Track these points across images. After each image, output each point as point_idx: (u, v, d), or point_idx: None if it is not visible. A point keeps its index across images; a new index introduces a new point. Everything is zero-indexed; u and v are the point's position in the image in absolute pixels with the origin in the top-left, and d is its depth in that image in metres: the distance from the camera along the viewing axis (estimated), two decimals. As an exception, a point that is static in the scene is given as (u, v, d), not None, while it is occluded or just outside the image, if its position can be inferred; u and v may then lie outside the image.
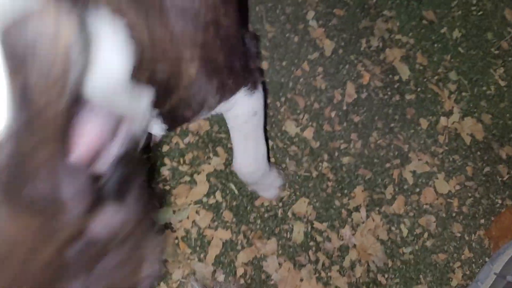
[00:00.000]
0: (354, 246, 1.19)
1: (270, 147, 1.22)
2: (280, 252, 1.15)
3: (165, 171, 1.16)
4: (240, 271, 1.12)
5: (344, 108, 1.28)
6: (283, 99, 1.27)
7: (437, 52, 1.38)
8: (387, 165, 1.27)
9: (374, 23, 1.38)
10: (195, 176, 1.17)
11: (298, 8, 1.35)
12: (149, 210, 0.49)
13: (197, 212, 1.14)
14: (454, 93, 1.36)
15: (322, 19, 1.35)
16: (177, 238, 1.12)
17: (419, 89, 1.34)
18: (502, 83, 1.40)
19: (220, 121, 1.22)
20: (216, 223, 1.14)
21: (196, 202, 1.15)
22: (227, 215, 1.16)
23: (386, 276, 1.19)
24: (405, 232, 1.23)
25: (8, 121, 0.34)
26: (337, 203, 1.22)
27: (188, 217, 1.13)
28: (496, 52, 1.42)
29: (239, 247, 1.13)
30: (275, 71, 1.29)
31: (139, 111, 0.52)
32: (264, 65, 1.28)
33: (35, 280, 0.40)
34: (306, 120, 1.26)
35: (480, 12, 1.45)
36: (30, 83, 0.33)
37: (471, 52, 1.40)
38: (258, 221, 1.17)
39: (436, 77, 1.36)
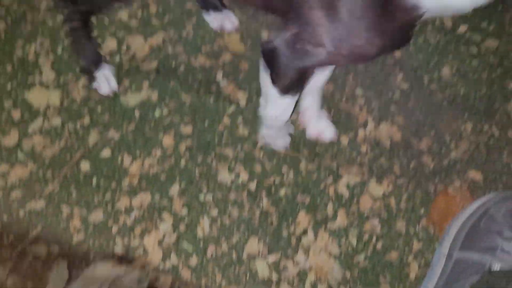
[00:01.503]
0: (311, 268, 1.27)
1: (211, 199, 1.32)
2: (243, 293, 1.22)
3: (118, 250, 1.24)
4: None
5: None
6: (213, 154, 1.38)
7: (339, 78, 1.53)
8: (322, 185, 1.37)
9: (277, 67, 1.53)
10: (147, 247, 1.25)
11: (207, 73, 1.50)
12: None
13: (156, 278, 1.21)
14: (364, 106, 1.50)
15: (231, 76, 1.50)
16: (144, 307, 1.18)
17: (332, 112, 1.48)
18: (405, 86, 1.54)
19: (162, 190, 1.33)
20: (177, 283, 1.21)
21: (154, 270, 1.22)
22: (186, 274, 1.23)
23: (348, 287, 1.26)
24: (354, 242, 1.31)
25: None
26: (285, 233, 1.30)
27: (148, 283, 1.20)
28: (392, 61, 1.58)
29: (204, 300, 1.20)
30: (200, 132, 1.41)
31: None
32: (189, 129, 1.41)
33: None
34: (238, 167, 1.37)
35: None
36: None
37: (370, 67, 1.56)
38: (216, 270, 1.24)
39: (344, 97, 1.50)
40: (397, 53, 1.60)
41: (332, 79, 1.52)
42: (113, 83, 1.42)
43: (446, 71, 1.57)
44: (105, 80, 1.41)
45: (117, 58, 1.50)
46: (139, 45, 1.52)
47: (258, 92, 1.47)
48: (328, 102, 1.49)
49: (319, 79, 1.30)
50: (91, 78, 1.41)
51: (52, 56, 1.48)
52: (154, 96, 1.45)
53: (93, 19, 1.39)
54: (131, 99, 1.44)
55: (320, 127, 1.41)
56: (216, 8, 1.53)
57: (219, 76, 1.50)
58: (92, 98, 1.43)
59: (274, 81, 1.03)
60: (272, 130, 1.31)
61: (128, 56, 1.50)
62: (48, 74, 1.45)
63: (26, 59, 1.47)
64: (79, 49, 1.39)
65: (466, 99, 1.54)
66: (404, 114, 1.50)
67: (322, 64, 1.01)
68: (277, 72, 1.00)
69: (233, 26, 1.55)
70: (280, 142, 1.37)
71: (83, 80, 1.45)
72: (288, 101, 1.09)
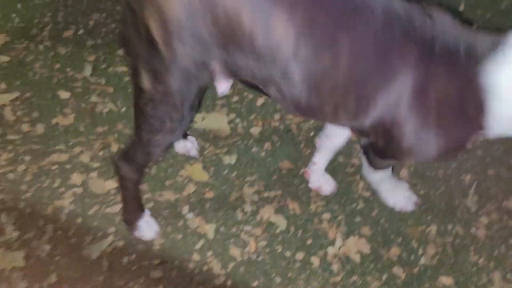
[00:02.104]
0: None
1: None
2: None
3: None
4: None
5: (242, 271, 1.41)
6: (186, 296, 1.38)
7: (304, 195, 1.57)
8: (298, 314, 1.37)
9: (241, 192, 1.56)
10: None
11: (173, 208, 1.52)
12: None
13: None
14: (330, 221, 1.53)
15: (197, 208, 1.52)
16: None
17: (300, 232, 1.50)
18: (367, 194, 1.59)
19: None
20: None
21: None
22: None
23: None
24: None
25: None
26: None
27: None
28: (352, 170, 1.63)
29: None
30: (171, 277, 1.41)
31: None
32: (159, 273, 1.40)
33: None
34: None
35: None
36: None
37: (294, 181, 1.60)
38: None
39: (312, 216, 1.53)
40: (356, 160, 1.65)
41: (296, 199, 1.55)
42: (155, 227, 1.44)
43: (403, 172, 1.63)
44: (148, 226, 1.43)
45: (82, 204, 1.50)
46: (98, 186, 1.54)
47: (226, 221, 1.49)
48: (295, 222, 1.52)
49: (337, 142, 1.46)
50: (133, 228, 1.43)
51: (15, 213, 1.47)
52: (120, 242, 1.44)
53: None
54: (95, 250, 1.43)
55: (321, 181, 1.56)
56: (183, 136, 1.58)
57: (185, 210, 1.52)
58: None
59: (367, 161, 1.39)
60: (387, 185, 1.52)
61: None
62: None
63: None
64: (127, 205, 1.40)
65: (427, 199, 1.59)
66: (370, 223, 1.53)
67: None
68: (369, 160, 1.37)
69: (197, 152, 1.61)
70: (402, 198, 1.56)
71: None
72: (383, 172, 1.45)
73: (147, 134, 1.16)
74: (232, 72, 1.06)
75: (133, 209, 1.40)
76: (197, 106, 1.15)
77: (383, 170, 1.45)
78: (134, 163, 1.26)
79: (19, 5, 1.83)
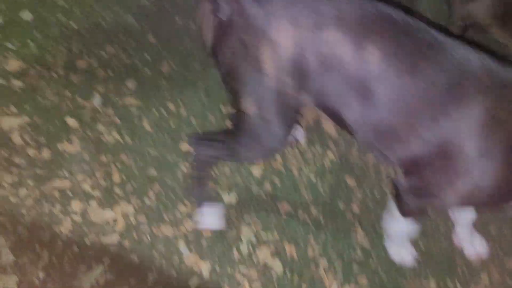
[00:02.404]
0: None
1: None
2: None
3: None
4: None
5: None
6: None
7: (302, 239, 1.56)
8: None
9: (239, 230, 1.56)
10: None
11: (169, 242, 1.51)
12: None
13: None
14: (327, 268, 1.51)
15: (193, 244, 1.51)
16: None
17: (296, 277, 1.48)
18: (366, 243, 1.57)
19: None
20: None
21: None
22: None
23: None
24: None
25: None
26: None
27: None
28: (351, 217, 1.62)
29: None
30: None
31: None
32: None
33: None
34: None
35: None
36: None
37: (329, 225, 1.59)
38: None
39: (308, 262, 1.51)
40: (356, 208, 1.65)
41: (294, 242, 1.54)
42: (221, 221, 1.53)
43: (404, 223, 1.62)
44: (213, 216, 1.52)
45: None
46: (97, 215, 1.54)
47: (222, 259, 1.48)
48: (290, 266, 1.50)
49: (469, 216, 1.50)
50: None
51: (12, 237, 1.47)
52: (113, 274, 1.43)
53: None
54: (87, 281, 1.41)
55: (473, 247, 1.56)
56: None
57: (182, 245, 1.51)
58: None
59: (398, 207, 1.33)
60: (395, 243, 1.50)
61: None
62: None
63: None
64: (197, 190, 1.51)
65: (428, 253, 1.57)
66: (366, 272, 1.51)
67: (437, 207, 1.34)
68: (399, 203, 1.32)
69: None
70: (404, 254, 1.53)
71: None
72: (408, 222, 1.38)
73: (243, 151, 1.29)
74: (320, 102, 1.18)
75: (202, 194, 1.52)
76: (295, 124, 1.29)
77: (410, 217, 1.38)
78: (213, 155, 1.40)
79: (37, 34, 1.89)
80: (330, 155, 1.76)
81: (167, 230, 1.53)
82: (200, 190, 1.52)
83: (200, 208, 1.52)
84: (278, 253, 1.52)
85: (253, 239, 1.54)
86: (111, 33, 1.98)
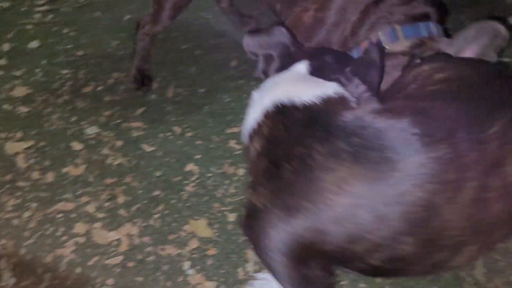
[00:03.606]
0: None
1: None
2: None
3: None
4: None
5: None
6: None
7: None
8: None
9: (244, 251, 1.53)
10: None
11: (174, 263, 1.48)
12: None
13: None
14: (335, 286, 1.47)
15: (199, 264, 1.49)
16: None
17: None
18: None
19: None
20: None
21: None
22: None
23: None
24: None
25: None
26: None
27: None
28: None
29: None
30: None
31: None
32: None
33: None
34: None
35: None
36: None
37: None
38: None
39: None
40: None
41: None
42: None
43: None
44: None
45: (82, 255, 1.48)
46: (101, 236, 1.52)
47: (227, 279, 1.45)
48: None
49: None
50: None
51: (15, 259, 1.45)
52: (119, 294, 1.41)
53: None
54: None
55: None
56: None
57: (186, 265, 1.48)
58: None
59: None
60: None
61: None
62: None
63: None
64: None
65: None
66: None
67: None
68: None
69: None
70: None
71: None
72: None
73: None
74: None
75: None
76: None
77: None
78: None
79: (43, 61, 1.93)
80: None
81: (172, 250, 1.51)
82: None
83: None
84: (285, 272, 1.49)
85: (258, 259, 1.51)
86: (118, 60, 2.02)
